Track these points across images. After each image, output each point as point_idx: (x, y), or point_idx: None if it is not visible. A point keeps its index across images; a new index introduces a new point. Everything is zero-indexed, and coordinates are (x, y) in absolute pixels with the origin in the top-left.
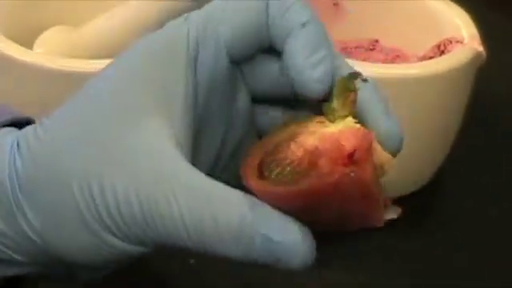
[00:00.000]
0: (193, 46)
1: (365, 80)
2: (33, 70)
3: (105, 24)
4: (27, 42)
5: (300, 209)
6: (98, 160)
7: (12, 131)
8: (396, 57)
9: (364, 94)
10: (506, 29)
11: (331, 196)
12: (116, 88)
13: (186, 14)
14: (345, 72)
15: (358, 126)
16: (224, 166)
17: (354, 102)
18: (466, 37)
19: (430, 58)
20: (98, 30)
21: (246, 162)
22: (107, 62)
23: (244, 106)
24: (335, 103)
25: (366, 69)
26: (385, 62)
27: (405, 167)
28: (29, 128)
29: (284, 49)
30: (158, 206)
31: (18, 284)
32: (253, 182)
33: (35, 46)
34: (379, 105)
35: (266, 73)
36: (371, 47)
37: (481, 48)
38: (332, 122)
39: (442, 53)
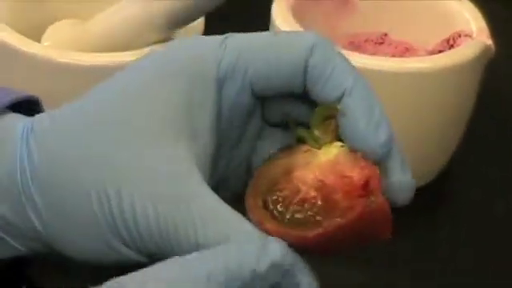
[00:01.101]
0: (222, 73)
1: (342, 113)
2: (41, 62)
3: (111, 18)
4: (34, 36)
5: (319, 245)
6: (116, 169)
7: (20, 118)
8: (405, 50)
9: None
10: None
11: (353, 228)
12: (141, 98)
13: (226, 35)
14: None
15: (349, 151)
16: (223, 182)
17: (336, 128)
18: (474, 30)
19: (439, 51)
20: (104, 25)
21: (250, 204)
22: (114, 55)
23: (254, 130)
24: (317, 132)
25: (376, 62)
26: (394, 55)
27: (412, 164)
28: (44, 116)
29: (342, 110)
30: (175, 224)
31: (20, 267)
32: (270, 225)
33: (42, 40)
34: (397, 156)
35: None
36: (380, 41)
37: (490, 41)
38: (318, 149)
39: (451, 46)
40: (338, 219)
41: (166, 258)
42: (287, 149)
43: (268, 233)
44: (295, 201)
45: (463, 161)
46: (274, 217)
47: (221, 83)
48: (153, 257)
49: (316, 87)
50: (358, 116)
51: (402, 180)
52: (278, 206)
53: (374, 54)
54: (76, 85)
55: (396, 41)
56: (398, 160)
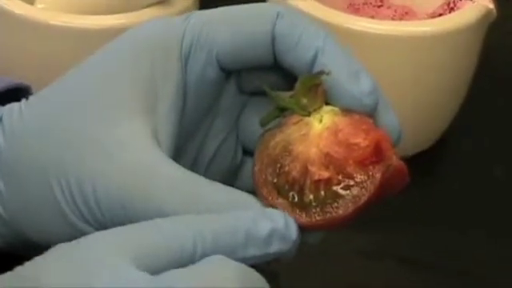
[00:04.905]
0: (186, 47)
1: (328, 73)
2: (33, 25)
3: None
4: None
5: (346, 221)
6: (76, 151)
7: None
8: (404, 14)
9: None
10: None
11: (376, 195)
12: (103, 78)
13: (188, 14)
14: None
15: (342, 112)
16: (204, 170)
17: (323, 93)
18: None
19: (440, 15)
20: None
21: (264, 194)
22: (107, 18)
23: (227, 103)
24: (304, 100)
25: (375, 26)
26: (393, 18)
27: (413, 129)
28: (15, 105)
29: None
30: (140, 199)
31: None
32: (298, 217)
33: (36, 2)
34: (382, 100)
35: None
36: (379, 4)
37: (491, 5)
38: (308, 115)
39: (452, 10)
40: (363, 193)
41: None
42: (275, 127)
43: (299, 224)
44: (308, 183)
45: (460, 125)
46: (293, 204)
47: (185, 57)
48: None
49: (287, 54)
50: (337, 71)
51: (390, 123)
52: (292, 192)
53: (372, 16)
54: (68, 47)
55: (395, 4)
56: (383, 104)
